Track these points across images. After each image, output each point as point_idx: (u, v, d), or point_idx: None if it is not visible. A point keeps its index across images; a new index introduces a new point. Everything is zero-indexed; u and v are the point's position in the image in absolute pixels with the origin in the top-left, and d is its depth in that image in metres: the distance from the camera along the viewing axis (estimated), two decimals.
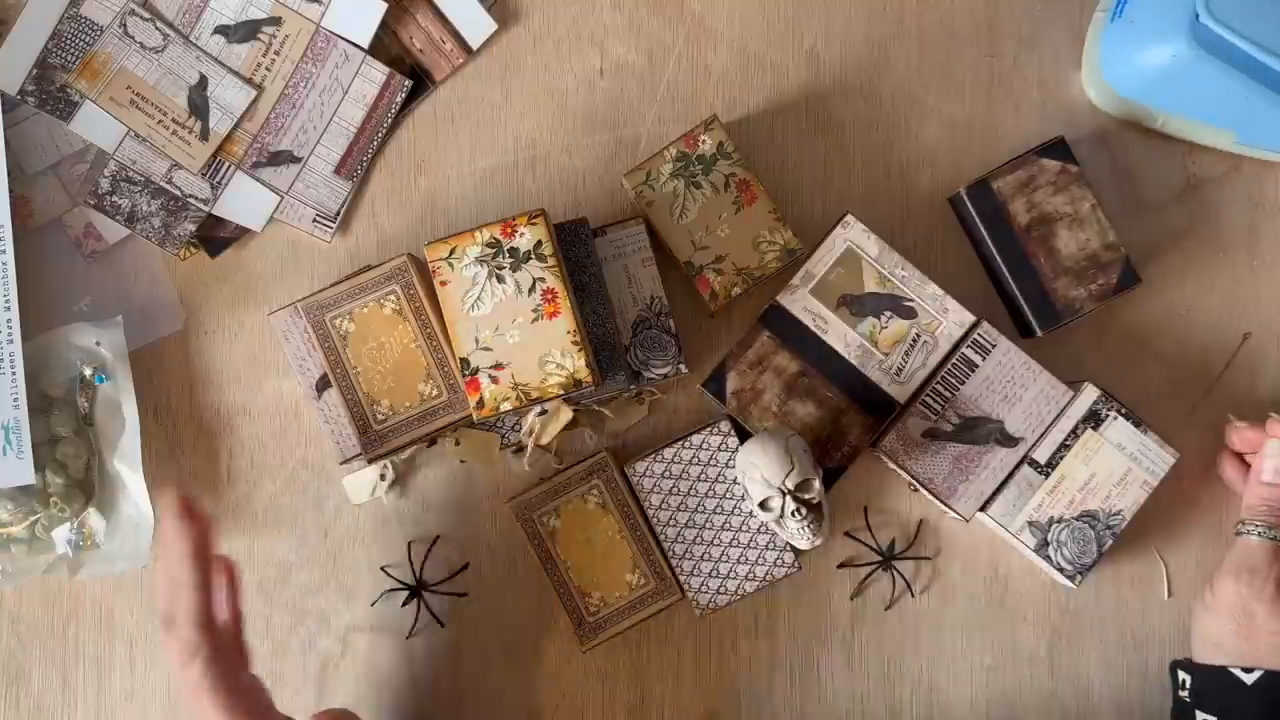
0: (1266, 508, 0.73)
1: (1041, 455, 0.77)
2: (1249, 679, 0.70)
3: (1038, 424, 0.77)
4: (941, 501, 0.77)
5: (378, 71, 0.81)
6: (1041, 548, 0.76)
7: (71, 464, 0.78)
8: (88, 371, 0.79)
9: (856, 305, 0.77)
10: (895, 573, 0.81)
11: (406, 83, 0.82)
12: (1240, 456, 0.79)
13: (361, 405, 0.77)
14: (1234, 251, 0.82)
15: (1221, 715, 0.71)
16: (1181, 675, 0.73)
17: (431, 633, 0.81)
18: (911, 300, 0.77)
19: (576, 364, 0.72)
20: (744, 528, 0.78)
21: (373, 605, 0.81)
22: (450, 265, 0.73)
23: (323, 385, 0.80)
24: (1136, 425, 0.76)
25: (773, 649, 0.81)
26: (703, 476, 0.78)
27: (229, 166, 0.81)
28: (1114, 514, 0.76)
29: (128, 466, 0.78)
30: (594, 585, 0.78)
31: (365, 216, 0.83)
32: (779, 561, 0.78)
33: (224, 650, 0.67)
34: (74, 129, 0.81)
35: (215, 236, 0.82)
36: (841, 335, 0.77)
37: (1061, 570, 0.76)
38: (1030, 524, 0.76)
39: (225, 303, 0.82)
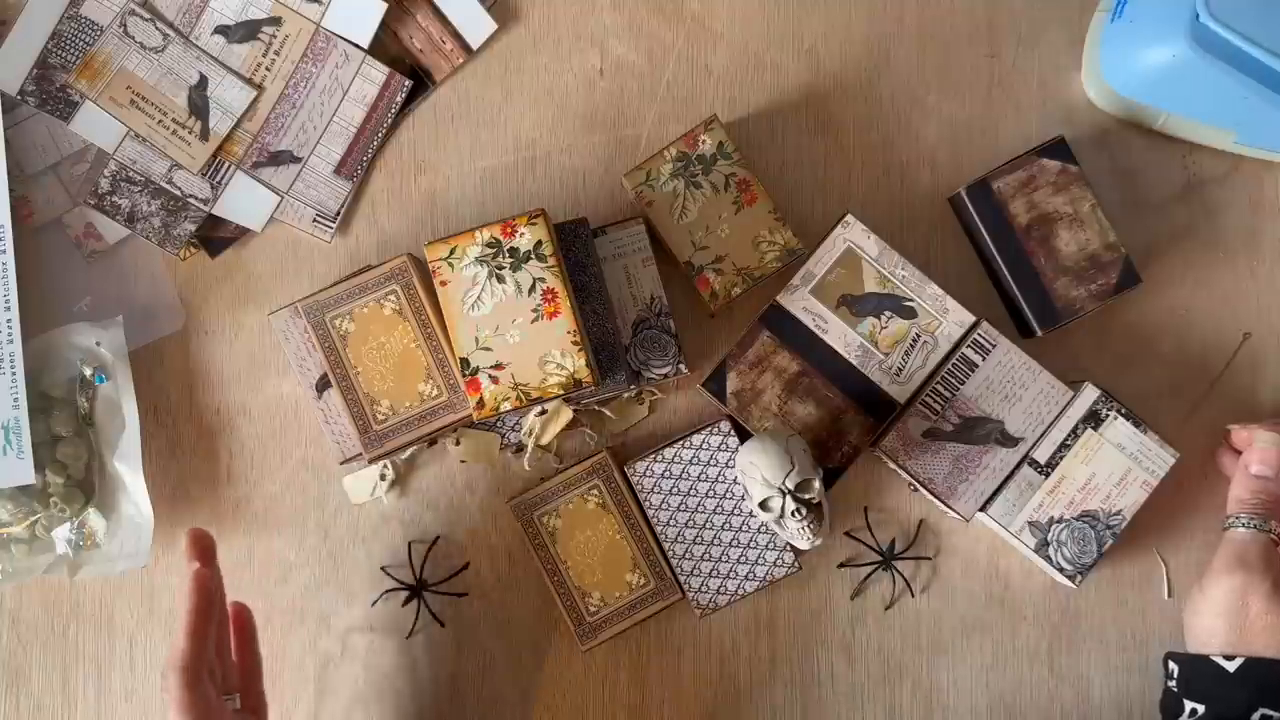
0: (1257, 500, 0.74)
1: (1041, 455, 0.77)
2: (1231, 666, 0.70)
3: (1038, 424, 0.77)
4: (941, 501, 0.77)
5: (378, 71, 0.81)
6: (1041, 548, 0.76)
7: (71, 464, 0.78)
8: (88, 371, 0.79)
9: (856, 305, 0.77)
10: (895, 573, 0.81)
11: (406, 83, 0.82)
12: (1238, 451, 0.79)
13: (361, 405, 0.77)
14: (1234, 251, 0.82)
15: (1207, 703, 0.71)
16: (1171, 665, 0.74)
17: (431, 633, 0.81)
18: (911, 300, 0.77)
19: (576, 364, 0.72)
20: (744, 528, 0.78)
21: (373, 605, 0.81)
22: (450, 265, 0.73)
23: (323, 385, 0.80)
24: (1136, 425, 0.76)
25: (773, 649, 0.81)
26: (703, 476, 0.78)
27: (229, 166, 0.81)
28: (1114, 514, 0.76)
29: (128, 466, 0.78)
30: (594, 585, 0.78)
31: (365, 216, 0.83)
32: (779, 561, 0.78)
33: (203, 703, 0.64)
34: (74, 129, 0.81)
35: (215, 236, 0.82)
36: (841, 335, 0.77)
37: (1061, 570, 0.76)
38: (1030, 524, 0.76)
39: (225, 303, 0.82)
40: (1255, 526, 0.73)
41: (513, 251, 0.73)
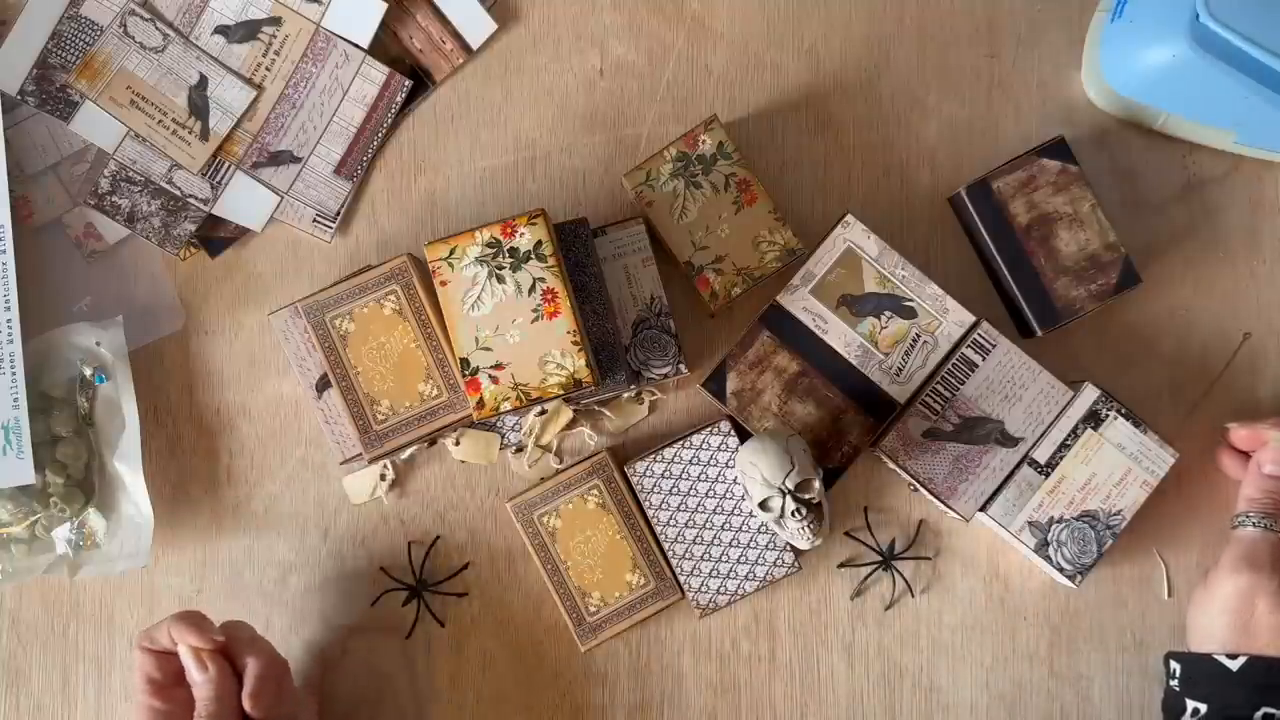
0: (1268, 499, 0.74)
1: (1041, 455, 0.77)
2: (1234, 665, 0.70)
3: (1038, 424, 0.77)
4: (941, 501, 0.77)
5: (378, 71, 0.81)
6: (1041, 548, 0.76)
7: (71, 464, 0.78)
8: (88, 371, 0.79)
9: (856, 305, 0.77)
10: (895, 573, 0.81)
11: (406, 83, 0.82)
12: (1237, 449, 0.79)
13: (361, 405, 0.77)
14: (1234, 251, 0.82)
15: (1209, 702, 0.71)
16: (1173, 665, 0.74)
17: (431, 633, 0.81)
18: (911, 300, 0.77)
19: (576, 364, 0.72)
20: (744, 528, 0.78)
21: (373, 605, 0.81)
22: (450, 265, 0.73)
23: (323, 385, 0.80)
24: (1136, 425, 0.76)
25: (773, 649, 0.81)
26: (703, 476, 0.78)
27: (229, 166, 0.81)
28: (1114, 514, 0.76)
29: (128, 466, 0.78)
30: (594, 585, 0.78)
31: (365, 216, 0.83)
32: (779, 561, 0.78)
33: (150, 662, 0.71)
34: (74, 129, 0.81)
35: (215, 236, 0.82)
36: (841, 335, 0.77)
37: (1061, 570, 0.76)
38: (1030, 524, 0.76)
39: (225, 303, 0.82)
40: (1265, 526, 0.73)
41: (513, 251, 0.73)
